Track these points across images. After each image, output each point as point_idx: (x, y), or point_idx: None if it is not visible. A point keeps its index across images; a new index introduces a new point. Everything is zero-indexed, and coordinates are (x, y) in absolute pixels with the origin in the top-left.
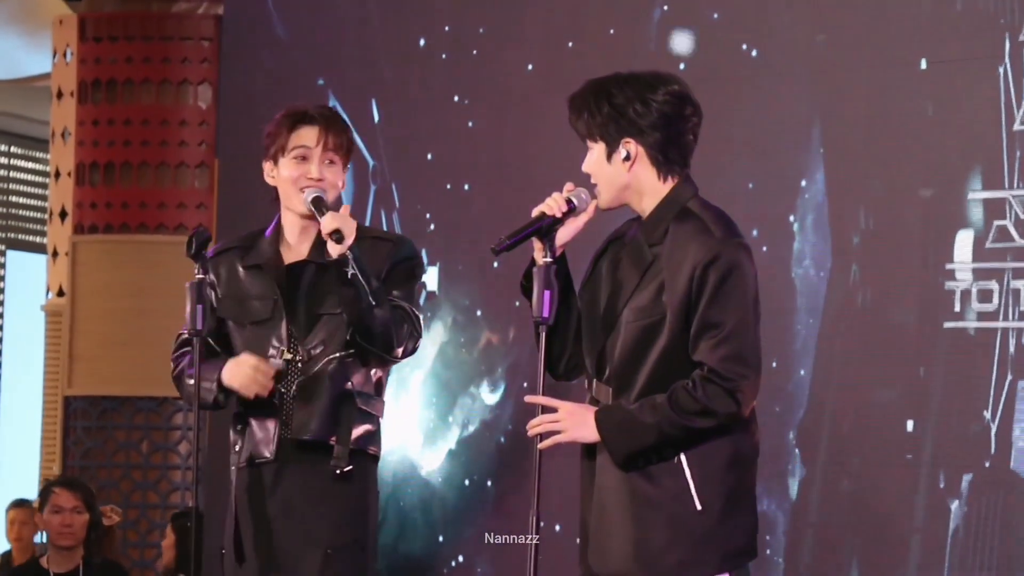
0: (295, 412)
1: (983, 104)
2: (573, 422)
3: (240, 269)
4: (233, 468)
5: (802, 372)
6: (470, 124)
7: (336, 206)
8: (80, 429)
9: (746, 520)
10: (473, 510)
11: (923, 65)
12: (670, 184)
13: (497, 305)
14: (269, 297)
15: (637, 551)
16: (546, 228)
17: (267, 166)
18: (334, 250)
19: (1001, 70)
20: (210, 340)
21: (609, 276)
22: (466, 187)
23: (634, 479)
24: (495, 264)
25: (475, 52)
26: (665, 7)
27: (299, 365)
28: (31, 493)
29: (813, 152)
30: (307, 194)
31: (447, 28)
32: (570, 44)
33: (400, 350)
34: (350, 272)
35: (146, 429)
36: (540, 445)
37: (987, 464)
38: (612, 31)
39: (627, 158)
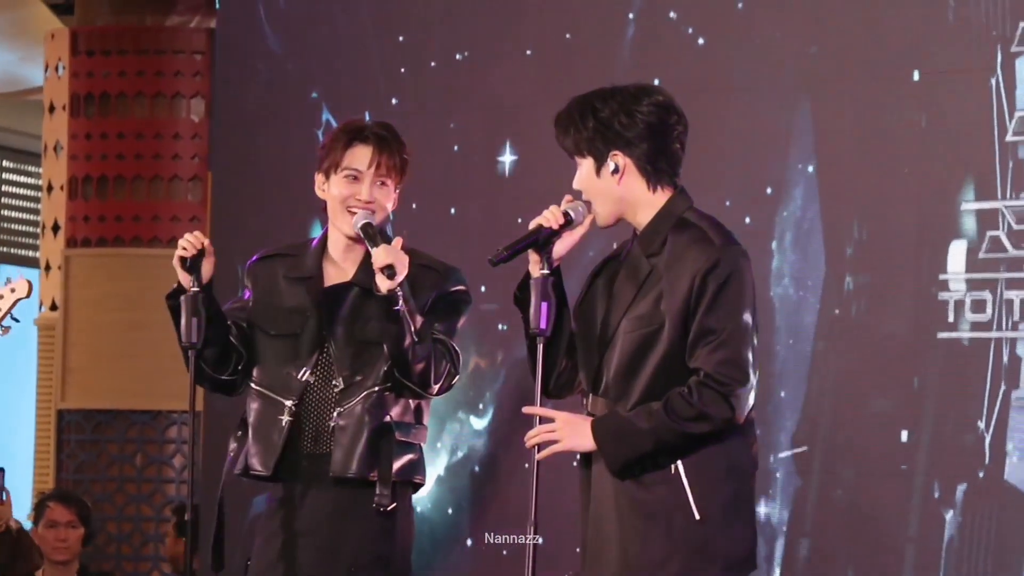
0: (334, 447)
1: (975, 115)
2: (570, 431)
3: (281, 278)
4: (231, 476)
5: (783, 394)
6: (455, 148)
7: (384, 227)
8: (74, 442)
9: (746, 530)
10: (462, 536)
11: (916, 76)
12: (662, 195)
13: (485, 329)
14: (303, 313)
15: (635, 562)
16: (543, 240)
17: (319, 178)
18: (384, 285)
19: (993, 81)
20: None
21: (605, 292)
22: (452, 211)
23: (631, 489)
24: (483, 288)
25: (468, 67)
26: (636, 16)
27: (336, 392)
28: (25, 507)
29: (791, 169)
30: (357, 219)
31: (441, 42)
32: (564, 59)
33: (436, 387)
34: (401, 310)
35: (140, 442)
36: (538, 455)
37: (981, 474)
38: (612, 45)
39: (616, 171)
